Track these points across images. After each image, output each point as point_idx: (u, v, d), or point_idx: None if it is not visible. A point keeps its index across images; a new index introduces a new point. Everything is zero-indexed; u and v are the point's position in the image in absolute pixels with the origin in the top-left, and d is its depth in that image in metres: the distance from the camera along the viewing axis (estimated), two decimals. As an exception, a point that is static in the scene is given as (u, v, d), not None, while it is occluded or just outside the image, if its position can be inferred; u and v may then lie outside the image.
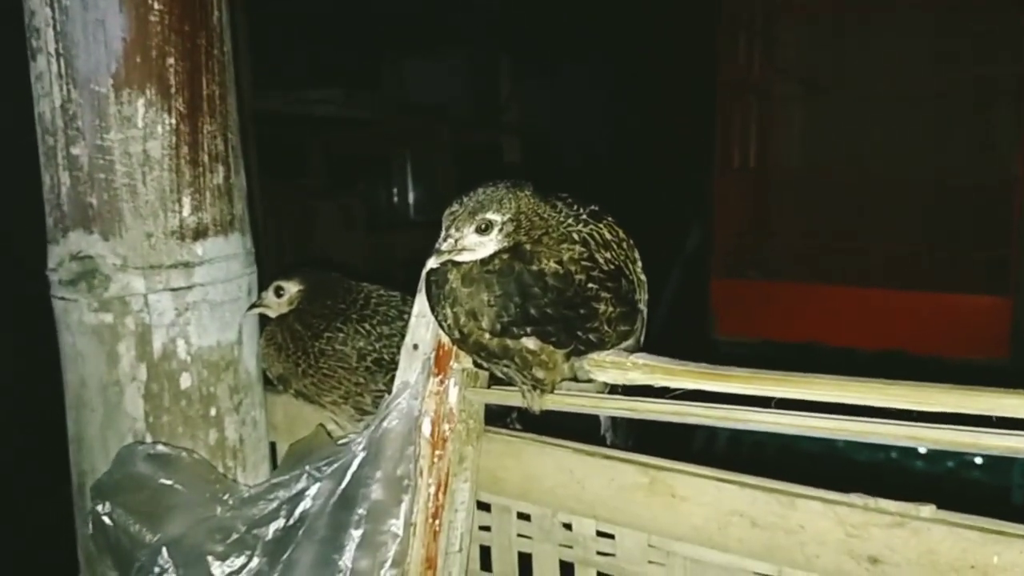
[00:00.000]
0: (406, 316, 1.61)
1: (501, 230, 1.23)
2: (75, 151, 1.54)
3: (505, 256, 1.24)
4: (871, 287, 5.71)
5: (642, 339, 1.49)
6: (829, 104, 6.25)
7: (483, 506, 1.59)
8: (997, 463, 3.62)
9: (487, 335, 1.28)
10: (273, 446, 1.85)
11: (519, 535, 1.55)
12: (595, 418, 1.65)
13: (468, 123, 8.40)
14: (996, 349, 5.17)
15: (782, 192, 6.52)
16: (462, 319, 1.27)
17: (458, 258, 1.24)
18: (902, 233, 5.94)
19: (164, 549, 1.40)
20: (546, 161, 9.03)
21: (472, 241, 1.24)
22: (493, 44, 8.53)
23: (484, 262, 1.25)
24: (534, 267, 1.24)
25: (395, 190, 8.09)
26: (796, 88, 6.36)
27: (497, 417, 1.66)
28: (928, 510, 1.15)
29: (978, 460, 3.81)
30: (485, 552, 1.61)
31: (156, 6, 1.53)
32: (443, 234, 1.24)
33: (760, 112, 6.45)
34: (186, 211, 1.58)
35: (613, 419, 1.67)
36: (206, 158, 1.61)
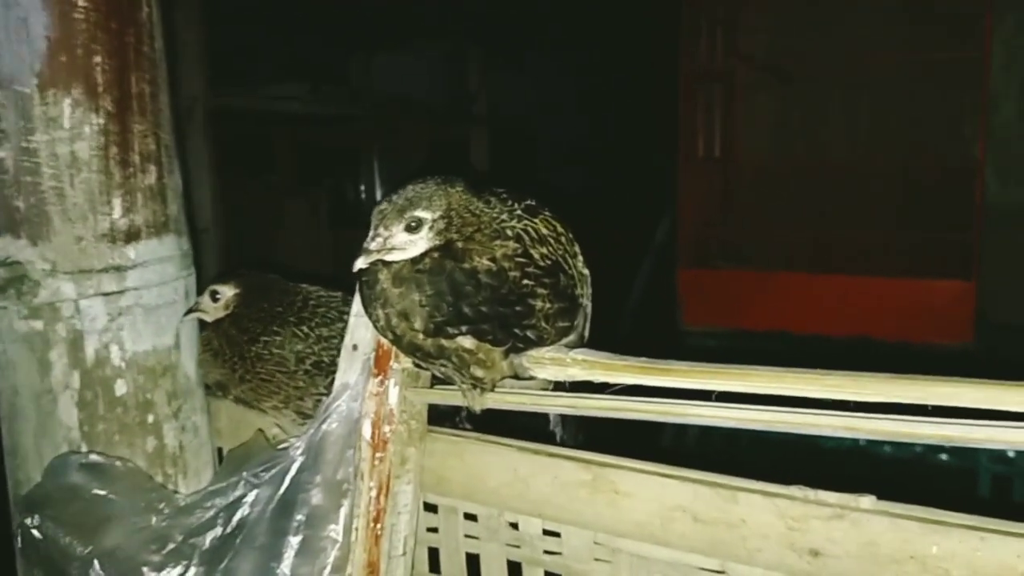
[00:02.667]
0: (346, 317, 1.58)
1: (431, 228, 1.21)
2: (0, 154, 1.49)
3: (436, 255, 1.21)
4: (837, 274, 5.74)
5: (586, 334, 1.47)
6: (793, 92, 6.27)
7: (430, 507, 1.56)
8: (963, 447, 3.65)
9: (421, 335, 1.25)
10: (220, 452, 1.81)
11: (466, 536, 1.52)
12: (545, 415, 1.63)
13: (437, 117, 8.35)
14: (961, 333, 5.21)
15: (747, 181, 6.54)
16: (394, 320, 1.24)
17: (388, 257, 1.21)
18: (867, 219, 5.97)
19: (96, 561, 1.36)
20: (515, 153, 9.00)
21: (402, 240, 1.21)
22: (461, 37, 8.48)
23: (415, 261, 1.22)
24: (466, 265, 1.21)
25: (362, 186, 8.04)
26: (759, 76, 6.37)
27: (445, 417, 1.64)
28: (868, 501, 1.13)
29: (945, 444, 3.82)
30: (434, 554, 1.58)
31: (80, 3, 1.48)
32: (371, 232, 1.21)
33: (724, 101, 6.46)
34: (117, 213, 1.54)
35: (561, 416, 1.65)
36: (137, 158, 1.57)
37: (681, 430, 4.24)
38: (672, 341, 5.82)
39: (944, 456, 4.07)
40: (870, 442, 3.84)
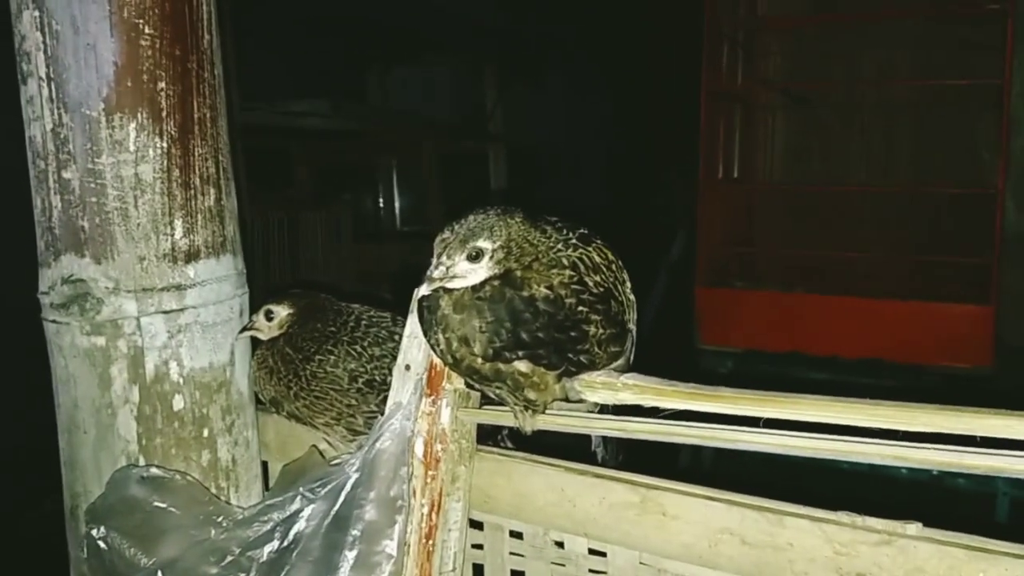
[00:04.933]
0: (397, 337, 1.63)
1: (492, 257, 1.25)
2: (66, 175, 1.54)
3: (496, 283, 1.26)
4: (854, 296, 5.76)
5: (631, 359, 1.51)
6: (812, 115, 6.31)
7: (475, 524, 1.60)
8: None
9: (479, 360, 1.29)
10: (265, 466, 1.85)
11: (511, 553, 1.56)
12: (585, 436, 1.67)
13: (453, 133, 8.42)
14: (978, 357, 5.23)
15: (766, 202, 6.58)
16: (454, 345, 1.29)
17: (449, 285, 1.26)
18: (885, 242, 5.99)
19: (159, 572, 1.41)
20: (531, 170, 9.06)
21: (463, 268, 1.25)
22: (479, 55, 8.55)
23: (475, 288, 1.26)
24: (524, 293, 1.26)
25: (381, 200, 8.10)
26: (780, 99, 6.42)
27: (487, 436, 1.68)
28: (915, 528, 1.17)
29: (962, 467, 3.83)
30: (478, 570, 1.62)
31: (147, 30, 1.53)
32: (434, 261, 1.25)
33: (744, 123, 6.51)
34: (178, 234, 1.59)
35: (604, 438, 1.69)
36: (197, 180, 1.62)
37: (696, 451, 4.27)
38: (688, 360, 5.85)
39: (961, 480, 4.08)
40: (887, 465, 3.87)
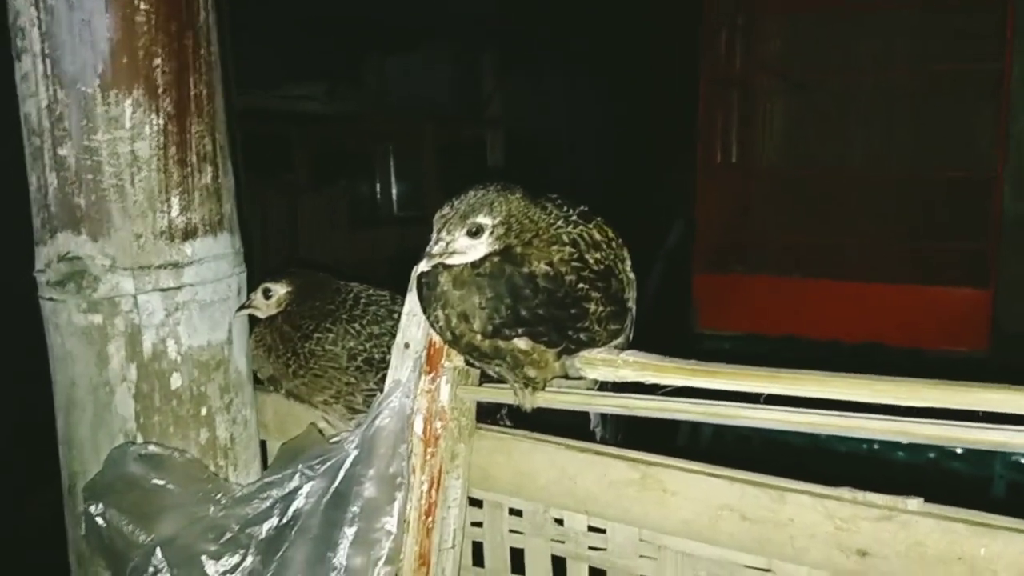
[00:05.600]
0: (396, 315, 1.62)
1: (492, 233, 1.24)
2: (62, 152, 1.53)
3: (496, 259, 1.25)
4: (852, 280, 5.76)
5: (631, 336, 1.51)
6: (811, 100, 6.30)
7: (475, 502, 1.60)
8: (979, 453, 3.67)
9: (479, 336, 1.29)
10: (263, 445, 1.85)
11: (511, 531, 1.56)
12: (583, 414, 1.66)
13: (451, 119, 8.39)
14: (975, 341, 5.24)
15: (764, 187, 6.57)
16: (454, 321, 1.28)
17: (449, 261, 1.25)
18: (883, 227, 5.99)
19: (158, 549, 1.40)
20: (529, 156, 9.04)
21: (463, 244, 1.24)
22: (477, 40, 8.52)
23: (475, 265, 1.25)
24: (525, 269, 1.25)
25: (378, 186, 8.08)
26: (778, 84, 6.40)
27: (487, 413, 1.68)
28: (916, 503, 1.17)
29: (959, 450, 3.85)
30: (477, 548, 1.62)
31: (142, 6, 1.52)
32: (434, 237, 1.25)
33: (743, 108, 6.49)
34: (175, 211, 1.58)
35: (603, 415, 1.69)
36: (194, 158, 1.61)
37: (695, 430, 4.27)
38: (686, 344, 5.85)
39: (958, 463, 4.09)
40: (884, 447, 3.88)
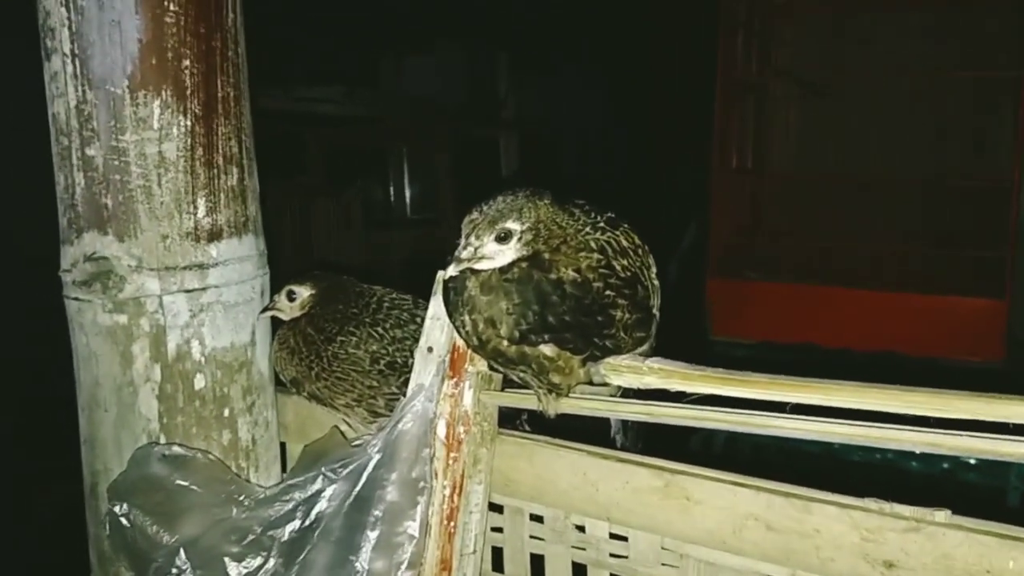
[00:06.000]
0: (418, 319, 1.63)
1: (520, 239, 1.24)
2: (90, 152, 1.53)
3: (524, 265, 1.25)
4: (867, 289, 5.74)
5: (655, 344, 1.50)
6: (827, 105, 6.27)
7: (495, 507, 1.59)
8: (994, 465, 3.65)
9: (505, 342, 1.29)
10: (283, 447, 1.85)
11: (531, 536, 1.56)
12: (603, 420, 1.66)
13: (467, 120, 8.40)
14: (991, 351, 5.21)
15: (779, 192, 6.55)
16: (481, 326, 1.28)
17: (477, 266, 1.25)
18: (898, 235, 5.96)
19: (181, 550, 1.41)
20: (544, 158, 9.04)
21: (491, 249, 1.24)
22: (492, 41, 8.52)
23: (503, 270, 1.25)
24: (552, 275, 1.25)
25: (392, 188, 8.09)
26: (794, 89, 6.38)
27: (506, 419, 1.67)
28: (943, 515, 1.16)
29: (972, 461, 3.83)
30: (497, 553, 1.62)
31: (172, 8, 1.53)
32: (463, 242, 1.24)
33: (758, 112, 6.47)
34: (201, 213, 1.59)
35: (623, 422, 1.69)
36: (221, 160, 1.62)
37: (709, 437, 4.26)
38: (700, 351, 5.83)
39: (972, 475, 4.07)
40: (898, 456, 3.86)
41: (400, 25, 7.58)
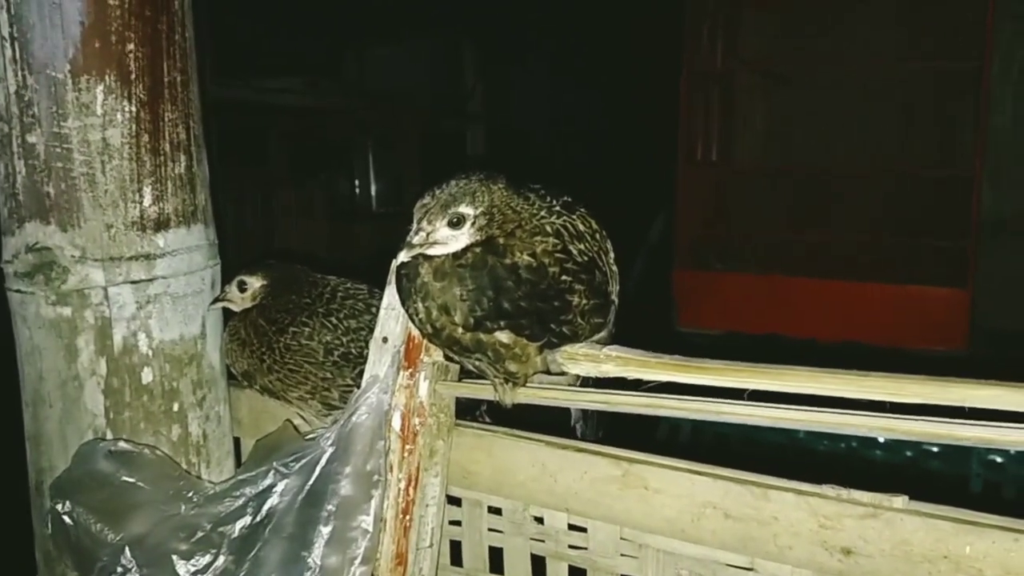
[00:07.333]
0: (373, 309, 1.59)
1: (474, 223, 1.22)
2: (31, 139, 1.48)
3: (478, 250, 1.22)
4: (832, 279, 5.78)
5: (614, 331, 1.48)
6: (791, 96, 6.30)
7: (453, 500, 1.57)
8: (956, 452, 3.68)
9: (460, 329, 1.26)
10: (237, 442, 1.81)
11: (490, 529, 1.53)
12: (564, 410, 1.64)
13: (433, 112, 8.35)
14: (955, 340, 5.26)
15: (745, 184, 6.57)
16: (434, 313, 1.25)
17: (430, 252, 1.22)
18: (863, 225, 6.01)
19: (127, 548, 1.37)
20: (511, 149, 9.01)
21: (444, 235, 1.21)
22: (459, 33, 8.48)
23: (456, 256, 1.22)
24: (507, 260, 1.22)
25: (357, 180, 8.02)
26: (760, 80, 6.40)
27: (466, 410, 1.65)
28: (901, 501, 1.15)
29: (935, 449, 3.86)
30: (455, 547, 1.59)
31: (115, -11, 1.48)
32: (414, 227, 1.21)
33: (724, 104, 6.49)
34: (147, 201, 1.54)
35: (584, 411, 1.66)
36: (167, 147, 1.57)
37: (675, 427, 4.26)
38: (666, 343, 5.84)
39: (936, 462, 4.10)
40: (862, 445, 3.88)
41: (367, 16, 7.51)
